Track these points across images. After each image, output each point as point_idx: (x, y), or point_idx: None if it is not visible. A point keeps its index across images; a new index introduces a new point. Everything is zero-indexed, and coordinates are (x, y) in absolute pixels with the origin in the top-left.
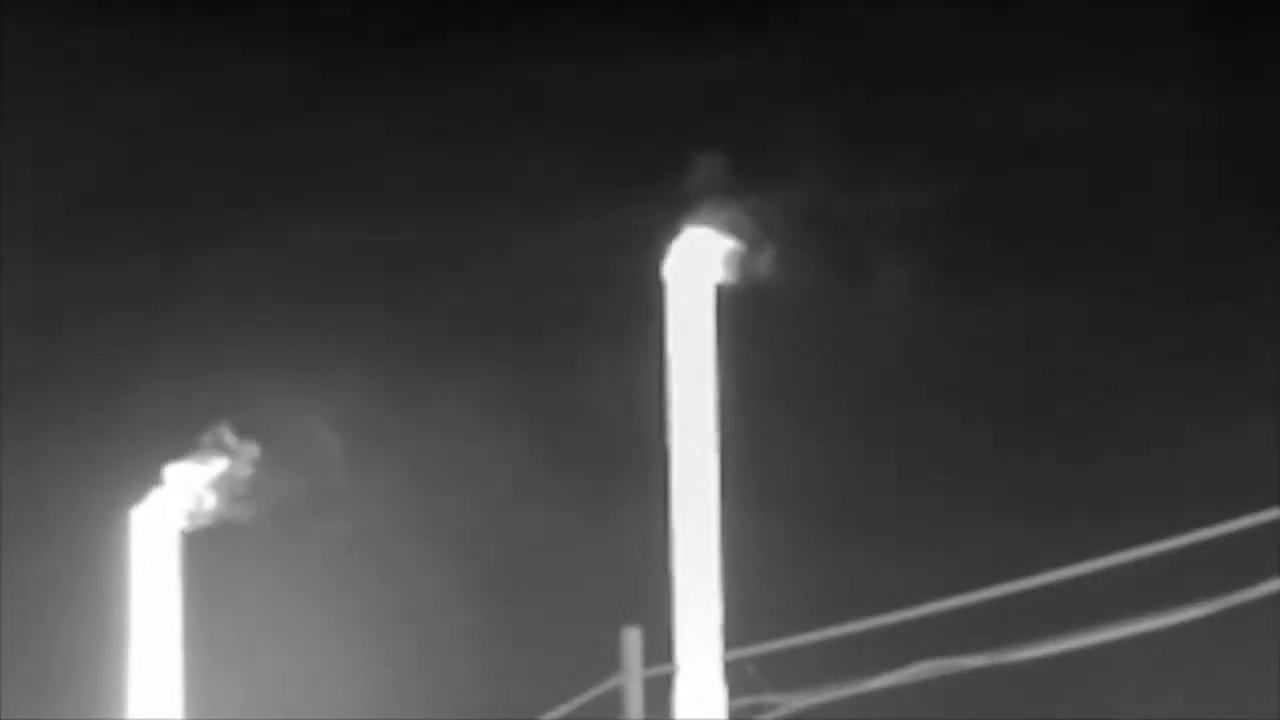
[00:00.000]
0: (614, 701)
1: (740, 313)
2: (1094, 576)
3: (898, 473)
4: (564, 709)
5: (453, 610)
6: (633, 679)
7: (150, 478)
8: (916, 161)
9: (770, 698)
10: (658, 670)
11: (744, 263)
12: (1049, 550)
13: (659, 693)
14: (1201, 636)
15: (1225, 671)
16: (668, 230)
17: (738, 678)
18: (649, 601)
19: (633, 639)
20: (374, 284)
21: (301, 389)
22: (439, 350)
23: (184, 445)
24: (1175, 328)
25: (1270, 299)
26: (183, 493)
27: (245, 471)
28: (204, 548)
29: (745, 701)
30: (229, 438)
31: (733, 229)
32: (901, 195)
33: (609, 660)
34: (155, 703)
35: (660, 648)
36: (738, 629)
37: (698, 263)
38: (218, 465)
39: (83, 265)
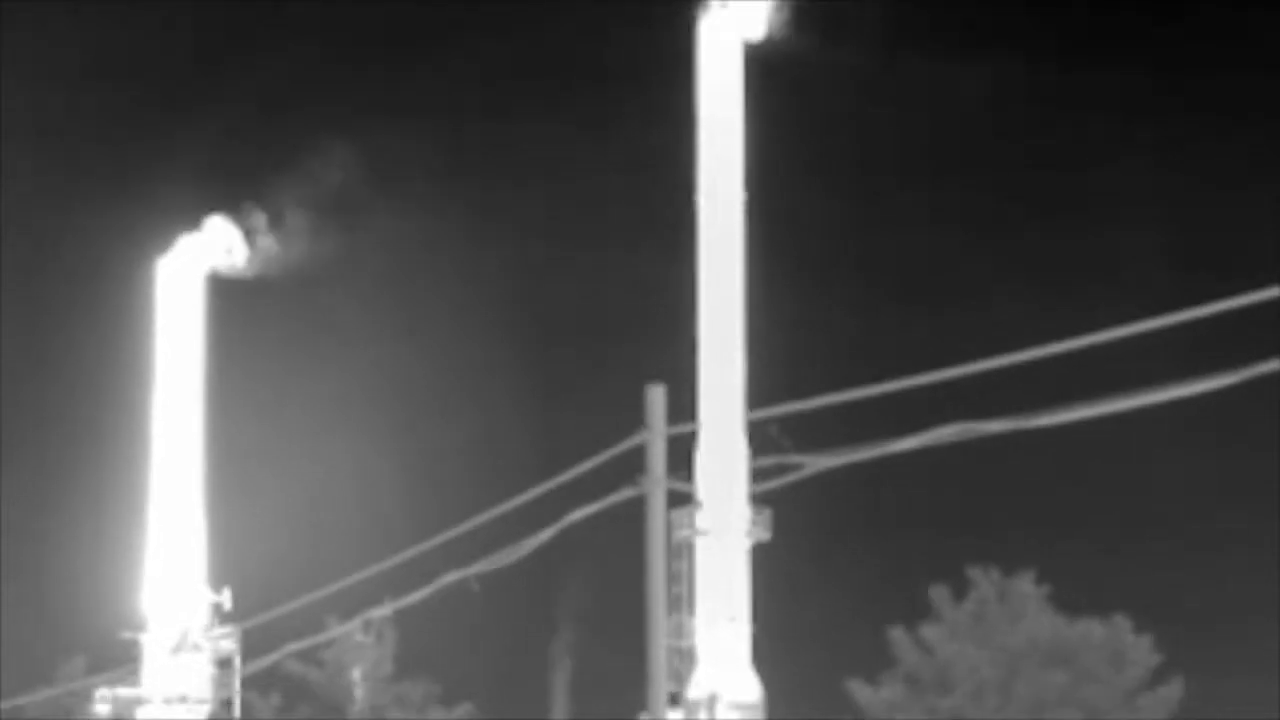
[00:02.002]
0: (637, 458)
1: (771, 83)
2: (1118, 344)
3: (925, 239)
4: (588, 464)
5: (479, 367)
6: (656, 436)
7: (182, 228)
8: None
9: (794, 458)
10: (682, 428)
11: (778, 30)
12: (1074, 318)
13: (682, 450)
14: (1223, 407)
15: (1244, 441)
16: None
17: (761, 438)
18: (674, 359)
19: (657, 396)
20: (413, 44)
21: (341, 146)
22: (477, 108)
23: (218, 198)
24: (1199, 100)
25: None
26: (214, 244)
27: (281, 225)
28: (238, 300)
29: (768, 461)
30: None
31: None
32: None
33: (633, 416)
34: (177, 445)
35: (685, 405)
36: (762, 389)
37: (730, 25)
38: (253, 218)
39: (139, 12)
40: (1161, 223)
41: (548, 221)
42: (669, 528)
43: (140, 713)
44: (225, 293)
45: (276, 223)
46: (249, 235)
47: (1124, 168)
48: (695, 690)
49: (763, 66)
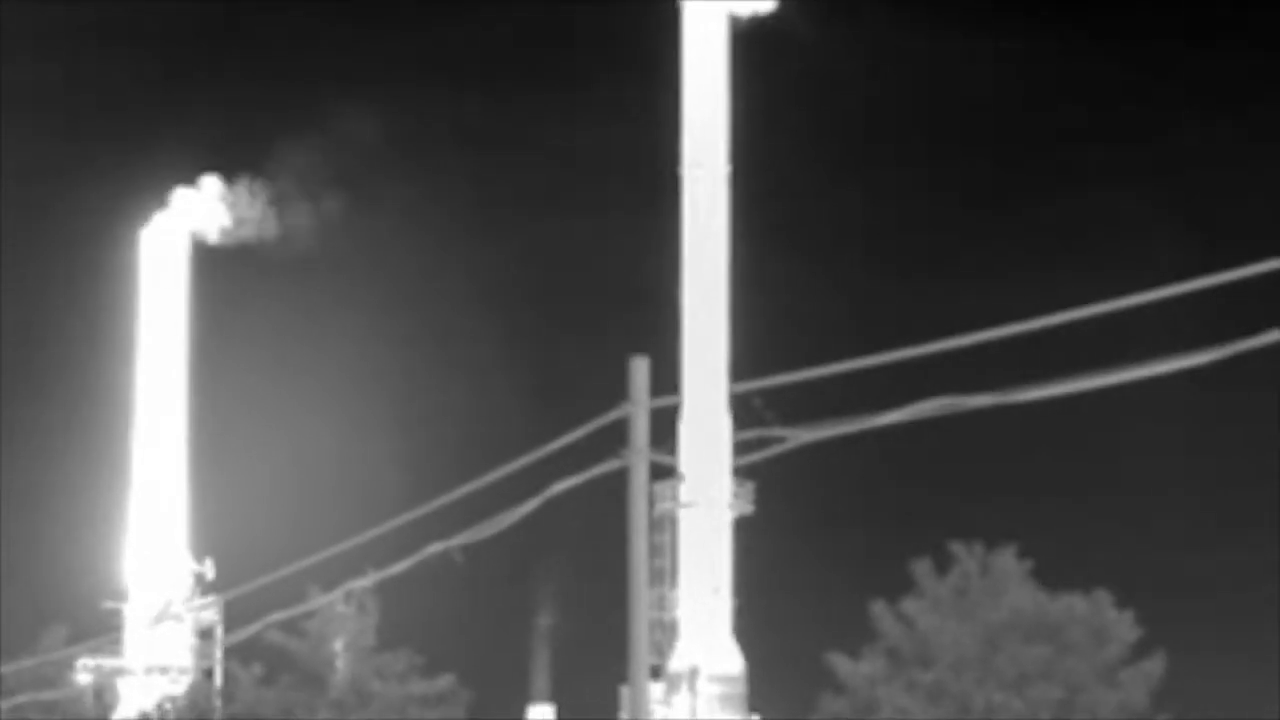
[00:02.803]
0: (620, 430)
1: (756, 52)
2: (1102, 319)
3: (911, 213)
4: (571, 436)
5: (463, 340)
6: (639, 408)
7: (167, 196)
8: None
9: (777, 431)
10: (665, 401)
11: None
12: (1061, 292)
13: (666, 423)
14: (1209, 383)
15: (1228, 417)
16: None
17: (745, 411)
18: (657, 331)
19: (640, 368)
20: (412, 18)
21: (332, 120)
22: (461, 80)
23: (204, 167)
24: (1196, 78)
25: None
26: (199, 212)
27: (267, 194)
28: (224, 270)
29: (751, 434)
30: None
31: None
32: None
33: (617, 388)
34: (160, 415)
35: (668, 378)
36: (745, 361)
37: None
38: (239, 186)
39: None
40: (1153, 199)
41: (532, 194)
42: (651, 500)
43: (121, 682)
44: (210, 262)
45: (263, 191)
46: (234, 203)
47: (1119, 144)
48: (677, 662)
49: (751, 37)
